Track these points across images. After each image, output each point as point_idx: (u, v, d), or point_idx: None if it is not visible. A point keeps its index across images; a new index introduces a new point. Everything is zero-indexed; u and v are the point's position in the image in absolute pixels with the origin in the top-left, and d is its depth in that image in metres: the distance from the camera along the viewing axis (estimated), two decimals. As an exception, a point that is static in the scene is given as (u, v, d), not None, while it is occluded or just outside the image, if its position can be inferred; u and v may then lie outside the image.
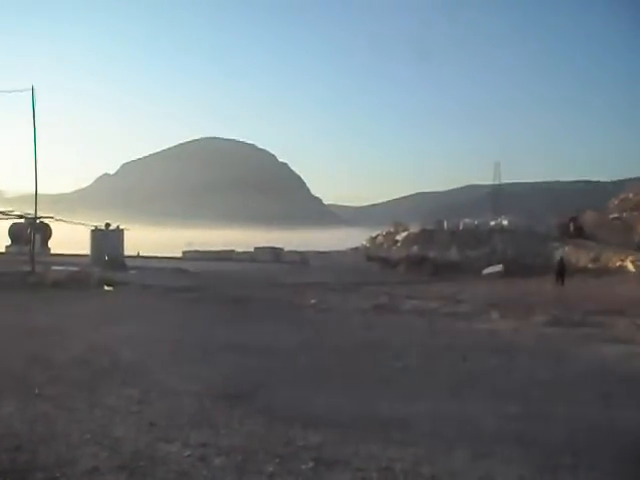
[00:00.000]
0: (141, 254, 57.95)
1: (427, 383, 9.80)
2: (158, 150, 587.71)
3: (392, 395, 8.94)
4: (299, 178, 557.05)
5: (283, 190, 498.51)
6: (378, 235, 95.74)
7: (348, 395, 8.92)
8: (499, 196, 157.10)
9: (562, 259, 42.51)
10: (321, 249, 73.04)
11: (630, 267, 49.55)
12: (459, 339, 14.28)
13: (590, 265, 52.69)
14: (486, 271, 48.49)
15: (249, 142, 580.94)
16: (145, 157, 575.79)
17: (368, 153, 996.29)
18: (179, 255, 67.59)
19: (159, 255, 60.05)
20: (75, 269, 32.99)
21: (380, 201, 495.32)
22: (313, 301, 22.34)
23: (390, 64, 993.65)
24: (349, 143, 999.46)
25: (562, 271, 36.40)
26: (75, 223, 49.42)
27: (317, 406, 8.19)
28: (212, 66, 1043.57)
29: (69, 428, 6.86)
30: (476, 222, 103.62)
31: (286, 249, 73.52)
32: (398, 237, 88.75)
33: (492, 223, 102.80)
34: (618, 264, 52.24)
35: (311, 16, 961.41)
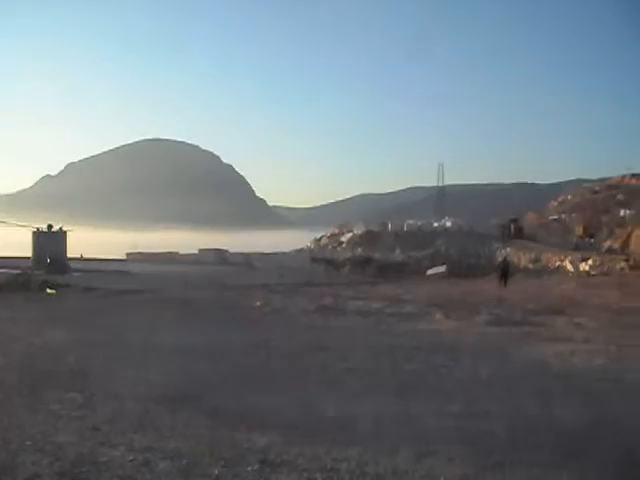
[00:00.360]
0: (84, 256, 57.10)
1: (372, 383, 9.86)
2: (102, 151, 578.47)
3: (337, 396, 8.97)
4: (244, 179, 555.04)
5: (228, 191, 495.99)
6: (323, 237, 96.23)
7: (293, 396, 8.92)
8: (442, 198, 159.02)
9: (506, 259, 43.32)
10: (266, 251, 73.01)
11: (569, 267, 50.78)
12: (403, 339, 14.41)
13: (531, 265, 53.84)
14: (430, 272, 49.12)
15: (193, 143, 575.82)
16: (88, 158, 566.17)
17: (313, 155, 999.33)
18: (123, 257, 66.79)
19: (103, 257, 59.23)
20: (16, 272, 32.30)
21: (325, 203, 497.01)
22: (258, 303, 22.29)
23: (336, 65, 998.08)
24: (294, 145, 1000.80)
25: (506, 271, 37.13)
26: (16, 225, 48.34)
27: (262, 408, 8.17)
28: (157, 66, 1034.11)
29: (9, 434, 6.71)
30: (420, 223, 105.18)
31: (231, 251, 73.29)
32: (343, 238, 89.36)
33: (435, 224, 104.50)
34: (557, 264, 53.52)
35: (250, 21, 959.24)
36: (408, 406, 8.38)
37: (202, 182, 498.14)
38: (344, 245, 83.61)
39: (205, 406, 8.16)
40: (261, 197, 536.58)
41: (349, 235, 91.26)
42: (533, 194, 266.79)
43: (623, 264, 45.92)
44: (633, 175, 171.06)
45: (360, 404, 8.49)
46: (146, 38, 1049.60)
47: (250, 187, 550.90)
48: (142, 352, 12.36)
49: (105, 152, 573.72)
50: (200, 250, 73.28)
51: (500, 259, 45.81)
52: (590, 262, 50.51)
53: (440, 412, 8.02)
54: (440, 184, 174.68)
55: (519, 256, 61.94)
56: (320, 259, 62.15)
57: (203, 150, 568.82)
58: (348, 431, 7.17)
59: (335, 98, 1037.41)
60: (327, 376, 10.43)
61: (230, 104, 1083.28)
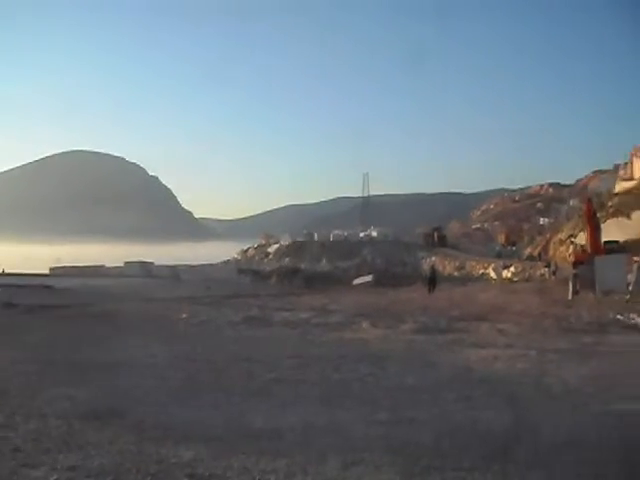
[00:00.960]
0: (6, 271, 55.53)
1: (299, 393, 9.89)
2: (26, 162, 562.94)
3: (264, 407, 8.97)
4: (170, 191, 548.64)
5: (153, 204, 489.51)
6: (250, 248, 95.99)
7: (221, 409, 8.88)
8: (368, 208, 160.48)
9: (433, 267, 44.20)
10: (193, 263, 72.27)
11: (492, 274, 51.98)
12: (330, 349, 14.49)
13: (456, 273, 54.85)
14: (357, 281, 49.50)
15: (119, 155, 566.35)
16: (9, 170, 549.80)
17: (240, 166, 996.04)
18: (47, 272, 65.05)
19: (25, 272, 57.56)
20: None
21: (252, 214, 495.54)
22: (184, 315, 22.05)
23: (264, 78, 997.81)
24: (221, 156, 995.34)
25: (433, 279, 38.03)
26: None
27: (189, 421, 8.09)
28: (83, 77, 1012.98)
29: None
30: (346, 233, 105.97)
31: (157, 263, 72.21)
32: (270, 249, 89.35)
33: (362, 234, 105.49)
34: (481, 272, 54.74)
35: (172, 29, 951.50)
36: (335, 415, 8.43)
37: (128, 194, 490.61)
38: (271, 256, 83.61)
39: (130, 421, 8.02)
40: (188, 209, 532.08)
41: (276, 246, 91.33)
42: (457, 203, 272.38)
43: (544, 270, 47.26)
44: (551, 185, 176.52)
45: (287, 414, 8.51)
46: (73, 48, 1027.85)
47: (176, 199, 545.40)
48: (66, 368, 12.06)
49: (30, 164, 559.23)
50: (125, 263, 71.99)
51: (427, 267, 46.68)
52: (512, 269, 51.84)
53: (367, 420, 8.10)
54: (365, 194, 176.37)
55: (444, 264, 63.14)
56: (247, 270, 61.99)
57: (128, 162, 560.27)
58: (276, 442, 7.17)
59: (259, 109, 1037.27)
60: (254, 387, 10.40)
61: (156, 116, 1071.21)
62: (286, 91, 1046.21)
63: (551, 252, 72.63)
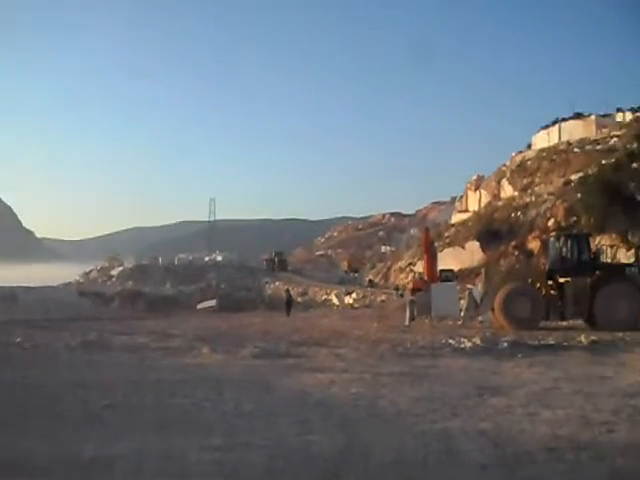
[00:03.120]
0: None
1: (134, 420, 9.65)
2: None
3: (97, 435, 8.67)
4: (10, 210, 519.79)
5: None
6: (93, 270, 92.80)
7: (50, 438, 8.51)
8: (214, 232, 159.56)
9: (289, 291, 44.79)
10: (32, 284, 68.77)
11: (334, 300, 53.02)
12: (168, 374, 14.23)
13: (299, 299, 55.35)
14: (200, 306, 49.02)
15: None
16: None
17: (85, 187, 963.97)
18: None
19: None
20: None
21: (96, 235, 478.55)
22: (18, 339, 20.94)
23: (109, 93, 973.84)
24: (66, 176, 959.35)
25: (289, 302, 38.97)
26: None
27: (16, 452, 7.70)
28: None
29: None
30: (191, 257, 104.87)
31: (-8, 284, 68.09)
32: (113, 272, 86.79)
33: (207, 258, 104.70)
34: (324, 297, 55.69)
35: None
36: (170, 442, 8.29)
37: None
38: (114, 279, 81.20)
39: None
40: (29, 228, 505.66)
41: (119, 269, 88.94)
42: (303, 230, 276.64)
43: (384, 297, 48.79)
44: (392, 214, 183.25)
45: (120, 442, 8.26)
46: None
47: (17, 218, 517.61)
48: None
49: None
50: (-46, 284, 67.50)
51: (284, 292, 47.34)
52: (354, 295, 53.14)
53: (202, 446, 8.01)
54: (212, 219, 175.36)
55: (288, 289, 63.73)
56: (89, 293, 59.67)
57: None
58: (106, 471, 7.00)
59: (103, 130, 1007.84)
60: (87, 414, 10.04)
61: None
62: (133, 108, 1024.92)
63: (392, 279, 75.28)
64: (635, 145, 58.19)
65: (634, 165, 51.18)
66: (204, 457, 7.51)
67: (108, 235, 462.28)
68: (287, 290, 46.77)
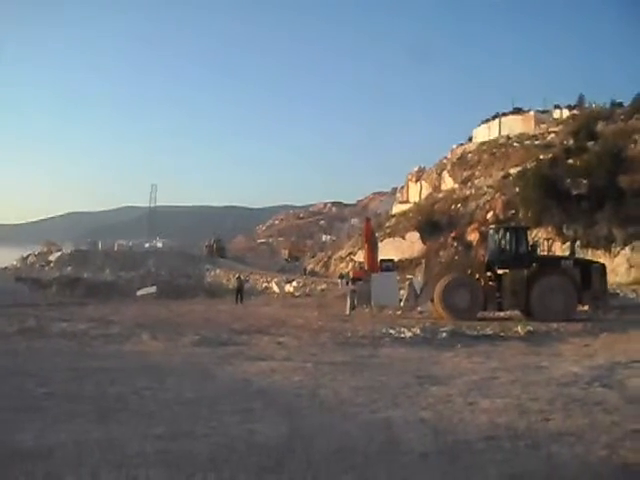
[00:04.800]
0: None
1: (74, 409, 9.49)
2: None
3: (35, 424, 8.49)
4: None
5: None
6: (30, 255, 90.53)
7: (-17, 428, 8.31)
8: (155, 218, 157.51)
9: (240, 279, 44.56)
10: (-36, 270, 66.86)
11: (275, 288, 52.95)
12: (108, 362, 14.05)
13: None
14: (140, 292, 48.31)
15: None
16: None
17: (22, 170, 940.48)
18: None
19: None
20: None
21: (34, 220, 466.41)
22: (-52, 327, 20.37)
23: (43, 80, 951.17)
24: (1, 159, 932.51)
25: (241, 290, 38.93)
26: None
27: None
28: None
29: None
30: (131, 243, 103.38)
31: None
32: (51, 257, 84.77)
33: (147, 245, 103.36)
34: (265, 285, 55.56)
35: None
36: (110, 430, 8.20)
37: None
38: (52, 264, 79.29)
39: None
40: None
41: (58, 254, 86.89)
42: (244, 218, 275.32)
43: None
44: (334, 203, 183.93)
45: (59, 431, 8.13)
46: None
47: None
48: None
49: None
50: None
51: (235, 278, 47.18)
52: (294, 284, 53.11)
53: (143, 435, 7.94)
54: (152, 205, 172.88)
55: (228, 277, 63.40)
56: (26, 278, 58.04)
57: None
58: (45, 461, 6.85)
59: (42, 113, 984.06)
60: (24, 402, 9.84)
61: None
62: (76, 92, 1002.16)
63: (332, 268, 75.61)
64: (571, 141, 59.78)
65: (570, 161, 52.55)
66: (146, 446, 7.44)
67: (45, 219, 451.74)
68: (238, 277, 46.54)
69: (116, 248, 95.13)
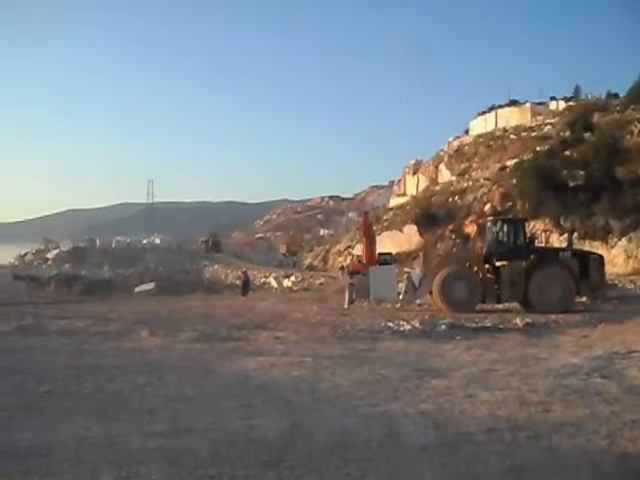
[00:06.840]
0: None
1: (73, 407, 9.48)
2: None
3: (34, 422, 8.50)
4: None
5: None
6: (28, 252, 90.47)
7: (-16, 426, 8.31)
8: (152, 215, 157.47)
9: (246, 274, 44.63)
10: (-37, 268, 66.74)
11: (273, 283, 52.98)
12: (107, 359, 14.04)
13: (238, 281, 55.09)
14: (138, 289, 48.33)
15: None
16: None
17: (20, 168, 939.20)
18: None
19: None
20: None
21: (31, 217, 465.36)
22: (-52, 325, 20.32)
23: (31, 75, 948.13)
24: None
25: (247, 285, 38.89)
26: None
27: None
28: None
29: None
30: (129, 240, 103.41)
31: None
32: (49, 255, 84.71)
33: (145, 241, 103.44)
34: (263, 280, 55.56)
35: None
36: (110, 427, 8.19)
37: None
38: (50, 262, 79.23)
39: None
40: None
41: (56, 251, 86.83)
42: (242, 213, 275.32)
43: (322, 279, 48.96)
44: (331, 197, 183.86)
45: (59, 429, 8.13)
46: None
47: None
48: None
49: None
50: None
51: (242, 272, 47.36)
52: (292, 278, 53.12)
53: (144, 432, 7.94)
54: (150, 201, 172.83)
55: (227, 272, 63.43)
56: (24, 276, 57.97)
57: None
58: (45, 459, 6.85)
59: (39, 113, 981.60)
60: (24, 401, 9.81)
61: None
62: (71, 89, 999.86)
63: (330, 262, 75.62)
64: (567, 133, 59.78)
65: (566, 152, 52.53)
66: (147, 443, 7.44)
67: (43, 217, 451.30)
68: (244, 272, 46.75)
69: (114, 245, 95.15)
